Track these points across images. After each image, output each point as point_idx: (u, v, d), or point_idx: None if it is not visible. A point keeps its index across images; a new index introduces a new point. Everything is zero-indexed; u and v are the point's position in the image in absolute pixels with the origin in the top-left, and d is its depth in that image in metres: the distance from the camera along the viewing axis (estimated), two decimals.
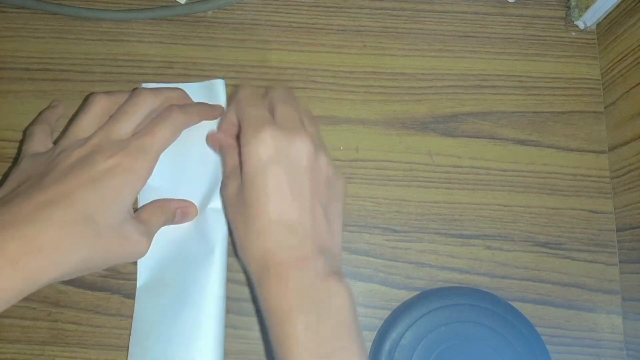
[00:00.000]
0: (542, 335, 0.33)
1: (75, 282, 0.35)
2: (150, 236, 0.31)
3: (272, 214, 0.27)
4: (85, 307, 0.35)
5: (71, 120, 0.32)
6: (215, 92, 0.37)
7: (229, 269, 0.35)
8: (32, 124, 0.35)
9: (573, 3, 0.40)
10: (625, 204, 0.36)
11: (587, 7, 0.39)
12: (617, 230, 0.36)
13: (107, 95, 0.32)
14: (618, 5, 0.37)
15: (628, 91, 0.36)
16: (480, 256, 0.36)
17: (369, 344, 0.35)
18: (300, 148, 0.28)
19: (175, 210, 0.33)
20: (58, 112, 0.37)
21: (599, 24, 0.40)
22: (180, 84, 0.37)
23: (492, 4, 0.41)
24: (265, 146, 0.27)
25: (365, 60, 0.40)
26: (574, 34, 0.40)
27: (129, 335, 0.34)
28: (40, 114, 0.36)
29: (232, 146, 0.32)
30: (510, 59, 0.40)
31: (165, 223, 0.33)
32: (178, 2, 0.40)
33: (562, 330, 0.35)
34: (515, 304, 0.34)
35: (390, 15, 0.40)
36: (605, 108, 0.39)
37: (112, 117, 0.31)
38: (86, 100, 0.32)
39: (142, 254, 0.30)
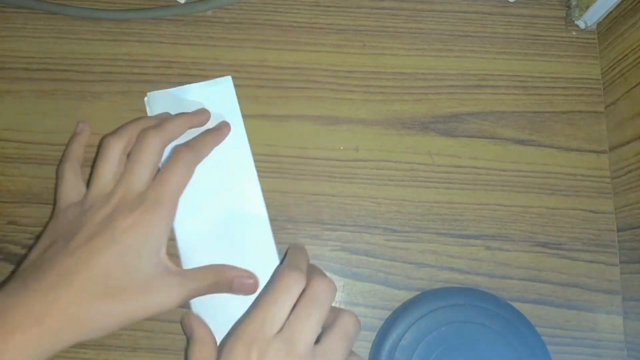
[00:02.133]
0: (542, 335, 0.33)
1: None
2: (186, 291, 0.30)
3: None
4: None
5: (92, 168, 0.33)
6: (224, 89, 0.37)
7: None
8: (61, 161, 0.35)
9: (573, 2, 0.40)
10: (626, 204, 0.36)
11: (587, 7, 0.39)
12: (618, 230, 0.36)
13: (118, 136, 0.33)
14: (618, 5, 0.37)
15: (628, 91, 0.36)
16: (480, 256, 0.36)
17: (369, 344, 0.35)
18: None
19: (232, 279, 0.32)
20: (84, 138, 0.37)
21: (599, 24, 0.40)
22: (187, 85, 0.37)
23: (492, 4, 0.41)
24: None
25: (365, 60, 0.39)
26: (574, 33, 0.40)
27: (129, 335, 0.34)
28: (68, 145, 0.36)
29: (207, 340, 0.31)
30: (510, 59, 0.40)
31: (217, 288, 0.32)
32: (178, 2, 0.40)
33: (562, 330, 0.35)
34: (515, 304, 0.34)
35: (390, 14, 0.40)
36: (605, 108, 0.39)
37: (127, 169, 0.32)
38: (101, 146, 0.33)
39: (172, 306, 0.30)
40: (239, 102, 0.37)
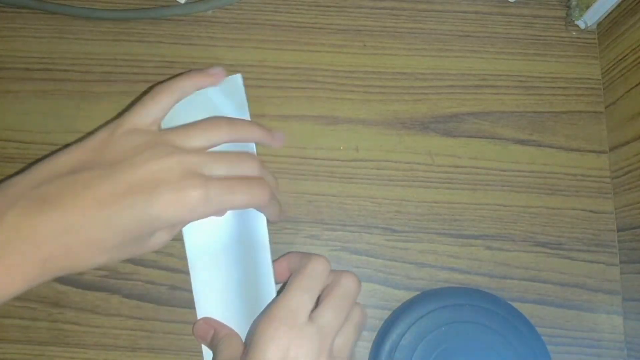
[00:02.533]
0: (542, 335, 0.33)
1: (75, 282, 0.35)
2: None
3: None
4: (84, 307, 0.35)
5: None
6: (235, 87, 0.35)
7: None
8: (166, 84, 0.31)
9: (574, 3, 0.40)
10: (626, 204, 0.36)
11: (587, 7, 0.39)
12: (618, 230, 0.36)
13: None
14: (619, 5, 0.37)
15: (629, 91, 0.36)
16: (480, 256, 0.36)
17: (369, 344, 0.35)
18: None
19: None
20: (207, 82, 0.33)
21: (599, 24, 0.40)
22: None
23: (492, 4, 0.41)
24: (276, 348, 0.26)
25: (365, 60, 0.39)
26: (574, 33, 0.40)
27: (129, 335, 0.35)
28: (186, 77, 0.32)
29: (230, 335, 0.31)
30: (510, 59, 0.40)
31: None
32: (178, 2, 0.40)
33: (562, 330, 0.35)
34: (515, 304, 0.34)
35: (390, 14, 0.40)
36: (605, 108, 0.39)
37: (234, 159, 0.30)
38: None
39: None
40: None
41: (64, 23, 0.40)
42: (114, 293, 0.35)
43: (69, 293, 0.35)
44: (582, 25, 0.40)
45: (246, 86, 0.39)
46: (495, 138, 0.38)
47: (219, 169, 0.29)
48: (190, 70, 0.33)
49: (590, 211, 0.37)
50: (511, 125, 0.38)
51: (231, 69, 0.39)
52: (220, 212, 0.29)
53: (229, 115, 0.34)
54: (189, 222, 0.29)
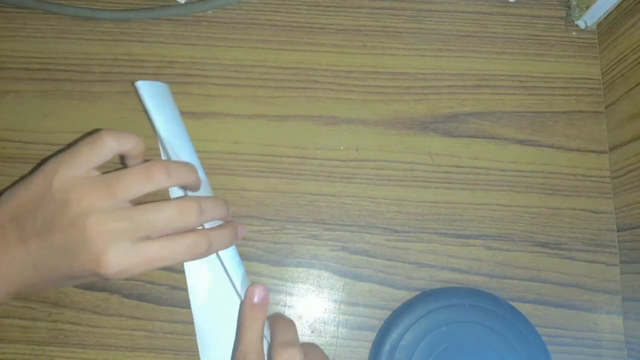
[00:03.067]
0: (542, 335, 0.33)
1: None
2: None
3: None
4: (84, 307, 0.35)
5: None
6: (168, 93, 0.35)
7: None
8: (113, 131, 0.30)
9: (574, 3, 0.40)
10: (626, 204, 0.36)
11: (587, 7, 0.39)
12: (618, 230, 0.36)
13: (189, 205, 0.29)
14: (619, 5, 0.37)
15: (629, 91, 0.36)
16: (480, 256, 0.36)
17: (369, 344, 0.35)
18: None
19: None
20: (137, 152, 0.31)
21: (599, 24, 0.40)
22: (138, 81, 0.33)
23: (492, 4, 0.41)
24: None
25: (365, 60, 0.39)
26: (574, 33, 0.40)
27: (129, 335, 0.35)
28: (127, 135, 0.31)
29: None
30: (510, 59, 0.40)
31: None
32: (178, 2, 0.40)
33: (562, 330, 0.35)
34: (515, 304, 0.34)
35: (390, 14, 0.40)
36: (605, 108, 0.39)
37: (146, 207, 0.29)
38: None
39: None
40: (236, 104, 0.37)
41: (64, 23, 0.40)
42: (113, 293, 0.35)
43: (69, 293, 0.35)
44: (582, 25, 0.40)
45: (246, 86, 0.39)
46: (495, 138, 0.38)
47: (155, 226, 0.28)
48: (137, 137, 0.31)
49: (590, 211, 0.37)
50: (511, 125, 0.38)
51: (231, 69, 0.39)
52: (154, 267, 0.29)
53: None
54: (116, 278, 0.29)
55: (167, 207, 0.29)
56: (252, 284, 0.32)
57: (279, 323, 0.32)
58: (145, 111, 0.33)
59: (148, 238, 0.28)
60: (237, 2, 0.40)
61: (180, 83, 0.39)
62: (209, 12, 0.40)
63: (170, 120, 0.34)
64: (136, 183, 0.29)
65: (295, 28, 0.40)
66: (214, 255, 0.32)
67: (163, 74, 0.39)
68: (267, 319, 0.32)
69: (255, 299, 0.31)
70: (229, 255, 0.32)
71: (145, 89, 0.32)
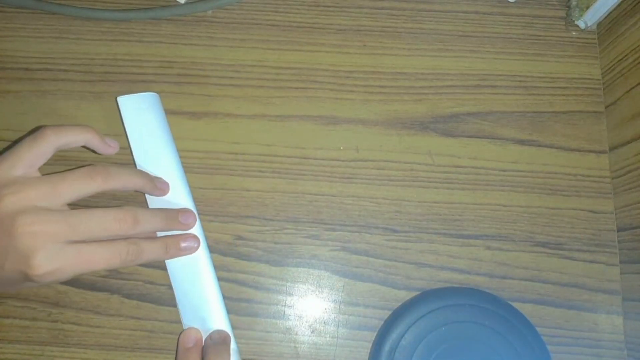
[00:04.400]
0: (542, 335, 0.33)
1: (75, 283, 0.35)
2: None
3: None
4: (85, 307, 0.35)
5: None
6: (149, 105, 0.36)
7: (228, 269, 0.36)
8: (54, 129, 0.31)
9: (574, 3, 0.40)
10: (626, 204, 0.36)
11: (587, 7, 0.39)
12: (618, 230, 0.36)
13: (127, 215, 0.30)
14: (619, 5, 0.37)
15: (629, 91, 0.36)
16: (480, 256, 0.36)
17: (369, 344, 0.35)
18: None
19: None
20: (97, 142, 0.33)
21: (599, 24, 0.40)
22: (119, 97, 0.35)
23: (492, 4, 0.41)
24: None
25: (365, 60, 0.39)
26: (574, 33, 0.40)
27: (129, 335, 0.35)
28: (80, 129, 0.32)
29: None
30: (510, 59, 0.40)
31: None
32: (178, 2, 0.40)
33: (562, 330, 0.35)
34: (515, 304, 0.34)
35: (390, 14, 0.40)
36: (605, 108, 0.39)
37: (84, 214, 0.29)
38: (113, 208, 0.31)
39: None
40: (236, 104, 0.37)
41: (64, 23, 0.40)
42: (113, 293, 0.35)
43: (69, 293, 0.35)
44: (582, 25, 0.40)
45: (246, 86, 0.39)
46: (495, 138, 0.38)
47: (90, 231, 0.28)
48: (86, 127, 0.32)
49: (590, 211, 0.37)
50: (511, 125, 0.38)
51: (231, 69, 0.39)
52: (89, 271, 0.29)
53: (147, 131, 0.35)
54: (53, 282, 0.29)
55: (102, 214, 0.29)
56: (186, 328, 0.34)
57: (214, 346, 0.32)
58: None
59: (81, 242, 0.28)
60: (237, 2, 0.40)
61: (180, 83, 0.39)
62: (209, 12, 0.40)
63: (147, 134, 0.35)
64: (75, 184, 0.29)
65: (295, 28, 0.40)
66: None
67: (163, 74, 0.39)
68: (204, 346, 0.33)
69: (190, 344, 0.33)
70: (175, 269, 0.34)
71: (124, 105, 0.35)
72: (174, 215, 0.33)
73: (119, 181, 0.30)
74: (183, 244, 0.33)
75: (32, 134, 0.30)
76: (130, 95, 0.35)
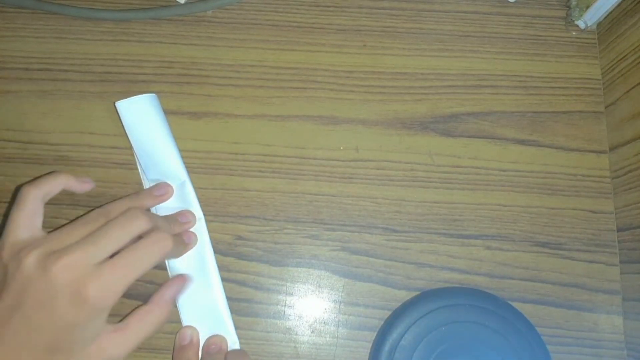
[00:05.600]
0: (542, 335, 0.33)
1: None
2: (127, 341, 0.29)
3: None
4: None
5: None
6: (147, 107, 0.36)
7: (228, 268, 0.36)
8: (32, 184, 0.31)
9: (573, 3, 0.40)
10: (626, 204, 0.36)
11: (587, 7, 0.39)
12: (618, 230, 0.36)
13: (106, 215, 0.30)
14: (619, 5, 0.37)
15: (629, 91, 0.36)
16: (480, 256, 0.36)
17: (369, 344, 0.35)
18: None
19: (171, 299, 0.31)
20: (76, 184, 0.33)
21: (599, 24, 0.40)
22: (117, 102, 0.35)
23: (492, 4, 0.41)
24: None
25: (365, 60, 0.39)
26: (574, 33, 0.40)
27: None
28: (53, 175, 0.32)
29: None
30: (510, 59, 0.40)
31: (159, 321, 0.30)
32: (178, 2, 0.40)
33: (562, 330, 0.35)
34: (515, 304, 0.34)
35: (390, 14, 0.40)
36: (605, 108, 0.39)
37: (96, 234, 0.29)
38: (90, 212, 0.31)
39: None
40: (236, 104, 0.37)
41: (64, 23, 0.40)
42: None
43: None
44: (582, 25, 0.40)
45: (246, 86, 0.39)
46: (495, 138, 0.38)
47: (107, 248, 0.28)
48: (59, 173, 0.32)
49: (590, 211, 0.37)
50: (511, 125, 0.38)
51: (231, 69, 0.39)
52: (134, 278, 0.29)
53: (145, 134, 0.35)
54: (108, 307, 0.28)
55: (115, 223, 0.29)
56: (183, 327, 0.34)
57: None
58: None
59: (109, 259, 0.28)
60: (237, 2, 0.40)
61: (180, 83, 0.39)
62: (209, 12, 0.40)
63: (149, 136, 0.35)
64: (76, 233, 0.29)
65: (295, 28, 0.40)
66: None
67: (163, 74, 0.39)
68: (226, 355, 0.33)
69: (185, 342, 0.33)
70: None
71: (123, 109, 0.35)
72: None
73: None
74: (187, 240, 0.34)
75: (14, 201, 0.30)
76: (129, 98, 0.35)
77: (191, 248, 0.34)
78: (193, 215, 0.35)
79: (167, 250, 0.29)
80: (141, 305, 0.29)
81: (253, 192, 0.37)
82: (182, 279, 0.32)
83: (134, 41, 0.40)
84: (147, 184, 0.36)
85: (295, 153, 0.38)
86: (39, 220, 0.30)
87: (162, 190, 0.35)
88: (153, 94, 0.36)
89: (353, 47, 0.40)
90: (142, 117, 0.35)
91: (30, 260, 0.27)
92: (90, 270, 0.27)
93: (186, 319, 0.34)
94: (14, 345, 0.26)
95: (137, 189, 0.37)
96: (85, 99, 0.39)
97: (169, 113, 0.37)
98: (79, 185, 0.33)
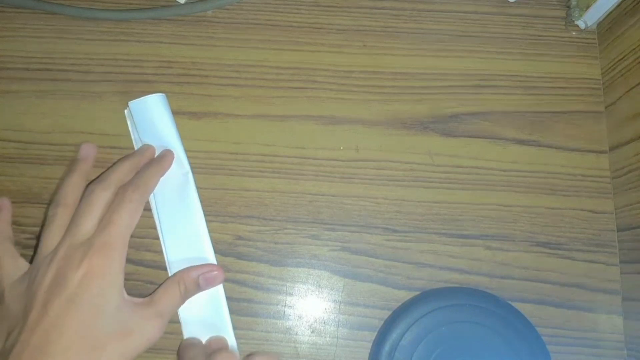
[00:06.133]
0: (542, 335, 0.33)
1: None
2: (162, 316, 0.30)
3: None
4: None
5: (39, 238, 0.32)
6: (157, 107, 0.36)
7: (228, 268, 0.36)
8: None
9: (573, 3, 0.40)
10: (626, 204, 0.36)
11: (587, 7, 0.39)
12: (618, 230, 0.36)
13: (63, 202, 0.32)
14: (619, 5, 0.37)
15: (628, 91, 0.36)
16: (480, 256, 0.36)
17: (369, 344, 0.35)
18: None
19: (197, 279, 0.32)
20: (6, 215, 0.35)
21: (599, 24, 0.40)
22: (131, 102, 0.36)
23: (492, 4, 0.41)
24: None
25: (365, 60, 0.39)
26: (574, 33, 0.40)
27: None
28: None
29: None
30: (510, 59, 0.40)
31: (187, 295, 0.32)
32: (178, 2, 0.40)
33: (562, 330, 0.35)
34: (515, 304, 0.34)
35: (390, 14, 0.40)
36: (605, 108, 0.39)
37: (72, 222, 0.31)
38: (47, 215, 0.32)
39: (156, 337, 0.30)
40: (236, 104, 0.37)
41: (64, 23, 0.40)
42: None
43: None
44: (582, 25, 0.40)
45: (246, 86, 0.39)
46: (495, 138, 0.38)
47: (89, 224, 0.31)
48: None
49: (590, 211, 0.37)
50: (511, 125, 0.38)
51: (231, 69, 0.39)
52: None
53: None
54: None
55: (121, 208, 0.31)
56: (186, 338, 0.34)
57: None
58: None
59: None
60: (237, 2, 0.40)
61: (180, 83, 0.39)
62: (209, 12, 0.40)
63: (158, 136, 0.36)
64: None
65: (295, 28, 0.40)
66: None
67: (163, 74, 0.39)
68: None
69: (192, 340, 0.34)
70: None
71: (136, 109, 0.36)
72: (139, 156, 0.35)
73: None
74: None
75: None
76: (141, 98, 0.36)
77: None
78: (171, 153, 0.36)
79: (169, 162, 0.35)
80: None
81: (253, 192, 0.37)
82: (214, 268, 0.33)
83: (134, 41, 0.40)
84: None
85: (295, 153, 0.38)
86: (12, 256, 0.33)
87: (86, 151, 0.36)
88: (162, 94, 0.36)
89: (353, 47, 0.40)
90: (153, 116, 0.36)
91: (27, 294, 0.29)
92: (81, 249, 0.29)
93: (170, 254, 0.34)
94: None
95: None
96: (85, 99, 0.39)
97: None
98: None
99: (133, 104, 0.36)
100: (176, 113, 0.38)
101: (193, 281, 0.32)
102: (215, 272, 0.33)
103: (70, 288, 0.28)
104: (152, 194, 0.35)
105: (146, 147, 0.36)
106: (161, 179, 0.35)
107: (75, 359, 0.27)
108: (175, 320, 0.35)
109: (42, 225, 0.33)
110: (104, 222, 0.30)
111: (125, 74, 0.39)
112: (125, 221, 0.31)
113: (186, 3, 0.40)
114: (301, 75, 0.39)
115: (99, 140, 0.37)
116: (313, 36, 0.40)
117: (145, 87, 0.39)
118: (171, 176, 0.35)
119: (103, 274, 0.29)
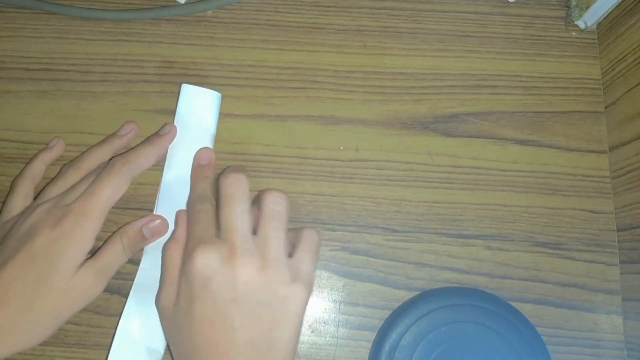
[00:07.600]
0: (542, 335, 0.33)
1: None
2: (101, 272, 0.31)
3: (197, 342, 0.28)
4: (85, 307, 0.35)
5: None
6: (208, 103, 0.36)
7: None
8: (19, 175, 0.35)
9: (573, 3, 0.40)
10: (626, 204, 0.36)
11: (587, 7, 0.39)
12: (618, 230, 0.36)
13: (78, 165, 0.34)
14: (619, 5, 0.37)
15: (628, 91, 0.36)
16: (480, 256, 0.36)
17: (369, 344, 0.35)
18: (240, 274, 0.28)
19: (141, 229, 0.33)
20: (51, 155, 0.37)
21: (599, 24, 0.40)
22: (184, 83, 0.36)
23: (492, 4, 0.41)
24: (206, 264, 0.28)
25: (365, 60, 0.39)
26: (574, 33, 0.40)
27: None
28: (32, 160, 0.36)
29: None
30: (510, 59, 0.40)
31: (131, 247, 0.33)
32: (178, 2, 0.40)
33: (562, 330, 0.35)
34: (515, 304, 0.34)
35: (390, 15, 0.40)
36: (605, 108, 0.39)
37: (73, 185, 0.33)
38: (60, 171, 0.35)
39: (94, 292, 0.31)
40: (236, 104, 0.37)
41: (64, 23, 0.40)
42: (113, 293, 0.35)
43: None
44: (582, 26, 0.40)
45: (246, 86, 0.39)
46: (495, 138, 0.38)
47: (81, 191, 0.32)
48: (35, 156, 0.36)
49: (590, 211, 0.37)
50: (511, 125, 0.38)
51: (231, 69, 0.39)
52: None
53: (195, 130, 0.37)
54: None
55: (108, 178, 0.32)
56: (201, 148, 0.35)
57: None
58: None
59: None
60: (237, 2, 0.40)
61: (180, 83, 0.39)
62: (209, 12, 0.40)
63: (192, 129, 0.36)
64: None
65: (295, 28, 0.40)
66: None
67: (163, 74, 0.39)
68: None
69: (204, 162, 0.35)
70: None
71: (186, 93, 0.36)
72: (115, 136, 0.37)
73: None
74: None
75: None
76: (197, 87, 0.36)
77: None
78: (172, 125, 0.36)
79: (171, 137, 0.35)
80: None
81: (253, 192, 0.37)
82: (156, 217, 0.34)
83: (134, 41, 0.40)
84: (165, 175, 0.36)
85: (295, 153, 0.38)
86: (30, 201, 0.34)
87: (126, 129, 0.37)
88: (219, 94, 0.37)
89: (353, 47, 0.40)
90: (197, 108, 0.36)
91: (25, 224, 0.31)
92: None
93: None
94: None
95: (137, 188, 0.37)
96: (85, 99, 0.39)
97: (169, 113, 0.37)
98: (53, 152, 0.37)
99: (186, 86, 0.36)
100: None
101: (136, 232, 0.33)
102: (158, 221, 0.33)
103: (37, 245, 0.30)
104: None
105: (169, 129, 0.36)
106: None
107: (15, 309, 0.29)
108: None
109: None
110: (87, 191, 0.32)
111: (125, 74, 0.39)
112: (107, 194, 0.31)
113: (186, 3, 0.40)
114: (301, 75, 0.39)
115: (99, 140, 0.37)
116: (313, 36, 0.40)
117: (145, 87, 0.39)
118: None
119: (71, 238, 0.30)
